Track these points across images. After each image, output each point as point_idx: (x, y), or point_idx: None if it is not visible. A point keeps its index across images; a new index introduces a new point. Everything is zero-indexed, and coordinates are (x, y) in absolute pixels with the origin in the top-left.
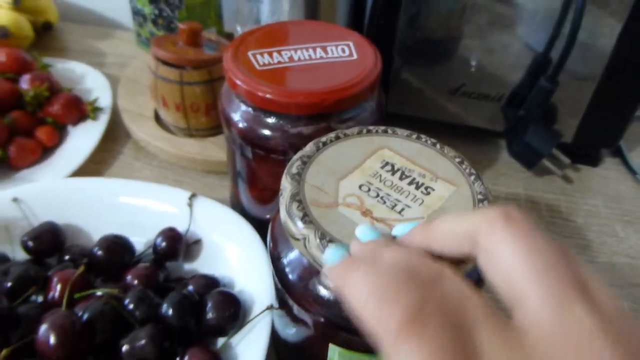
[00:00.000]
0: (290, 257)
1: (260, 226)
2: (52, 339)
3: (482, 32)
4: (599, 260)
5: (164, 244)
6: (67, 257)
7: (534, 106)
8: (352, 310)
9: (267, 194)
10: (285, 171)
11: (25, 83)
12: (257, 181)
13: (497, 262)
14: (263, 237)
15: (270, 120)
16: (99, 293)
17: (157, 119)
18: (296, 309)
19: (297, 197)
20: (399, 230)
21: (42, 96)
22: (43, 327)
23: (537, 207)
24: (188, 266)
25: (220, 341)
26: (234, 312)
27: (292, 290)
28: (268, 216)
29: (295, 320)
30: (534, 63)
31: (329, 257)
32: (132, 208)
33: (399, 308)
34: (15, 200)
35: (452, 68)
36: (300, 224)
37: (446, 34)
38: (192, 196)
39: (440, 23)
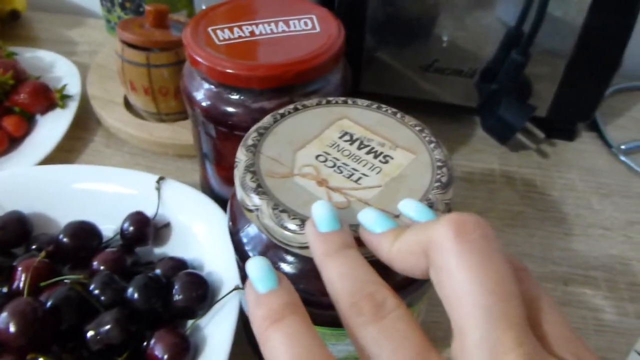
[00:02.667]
0: (249, 232)
1: None
2: (13, 327)
3: (455, 8)
4: (574, 232)
5: (131, 228)
6: (34, 247)
7: (506, 80)
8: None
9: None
10: (241, 144)
11: None
12: (223, 160)
13: (444, 283)
14: None
15: (233, 96)
16: (65, 280)
17: (127, 105)
18: None
19: (252, 169)
20: (404, 206)
21: (7, 84)
22: (3, 315)
23: (512, 182)
24: (158, 250)
25: (189, 323)
26: (202, 293)
27: None
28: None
29: None
30: (507, 37)
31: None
32: (101, 194)
33: None
34: None
35: (425, 44)
36: (253, 195)
37: (418, 10)
38: (160, 179)
39: None
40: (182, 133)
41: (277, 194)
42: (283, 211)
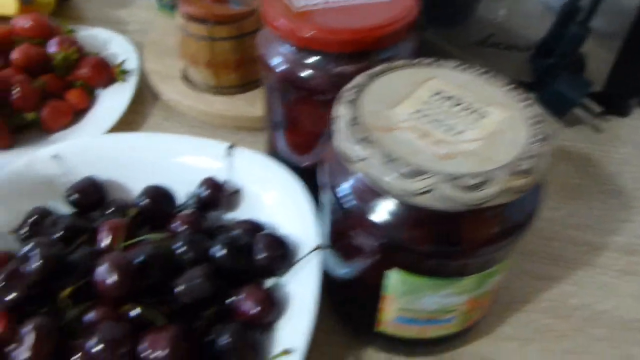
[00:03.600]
0: (347, 185)
1: (302, 175)
2: (111, 278)
3: None
4: (633, 205)
5: (206, 192)
6: (108, 211)
7: (564, 54)
8: None
9: (309, 138)
10: (340, 100)
11: (53, 46)
12: (299, 126)
13: None
14: (306, 183)
15: (312, 60)
16: (149, 239)
17: (186, 79)
18: (354, 237)
19: (355, 122)
20: None
21: (71, 59)
22: (102, 268)
23: (568, 156)
24: (227, 216)
25: (269, 282)
26: (283, 252)
27: (351, 217)
28: (308, 163)
29: (351, 253)
30: (564, 11)
31: None
32: (170, 161)
33: None
34: (55, 157)
35: (480, 19)
36: (359, 147)
37: None
38: (230, 147)
39: None
40: (241, 105)
41: (383, 146)
42: (391, 161)
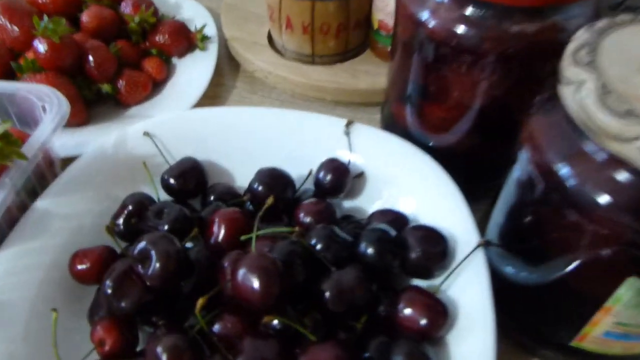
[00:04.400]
0: (574, 166)
1: (441, 158)
2: (257, 283)
3: None
4: None
5: (328, 177)
6: (212, 197)
7: None
8: None
9: (455, 112)
10: (570, 60)
11: (128, 7)
12: (444, 98)
13: None
14: (447, 168)
15: (476, 14)
16: (274, 233)
17: (273, 47)
18: (577, 233)
19: (606, 89)
20: None
21: (148, 23)
22: (242, 271)
23: None
24: (348, 203)
25: (421, 284)
26: (442, 249)
27: (579, 203)
28: (444, 144)
29: (558, 252)
30: None
31: None
32: (280, 140)
33: None
34: (146, 134)
35: None
36: (623, 123)
37: None
38: (349, 123)
39: None
40: (342, 76)
41: None
42: None
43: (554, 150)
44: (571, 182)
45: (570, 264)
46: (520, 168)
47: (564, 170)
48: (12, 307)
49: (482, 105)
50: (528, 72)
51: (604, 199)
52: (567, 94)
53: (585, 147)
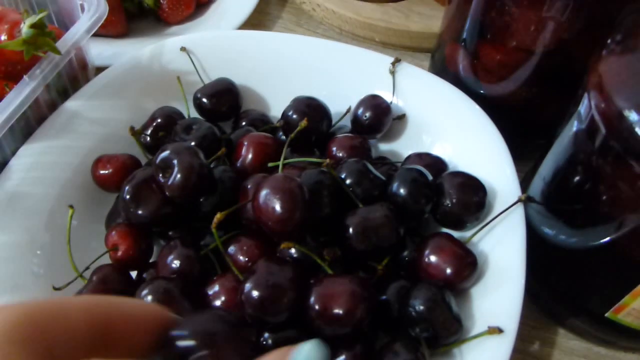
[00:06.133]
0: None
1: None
2: (278, 205)
3: None
4: None
5: (368, 114)
6: (244, 123)
7: None
8: None
9: (514, 57)
10: None
11: None
12: (508, 38)
13: None
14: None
15: None
16: (303, 163)
17: None
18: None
19: None
20: None
21: None
22: (265, 191)
23: None
24: (385, 146)
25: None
26: (480, 199)
27: None
28: (498, 93)
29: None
30: None
31: None
32: (321, 71)
33: None
34: (183, 49)
35: None
36: None
37: None
38: (396, 61)
39: None
40: (394, 15)
41: None
42: None
43: (625, 95)
44: None
45: (621, 225)
46: (580, 119)
47: (634, 117)
48: (34, 200)
49: (545, 50)
50: (602, 11)
51: None
52: None
53: None
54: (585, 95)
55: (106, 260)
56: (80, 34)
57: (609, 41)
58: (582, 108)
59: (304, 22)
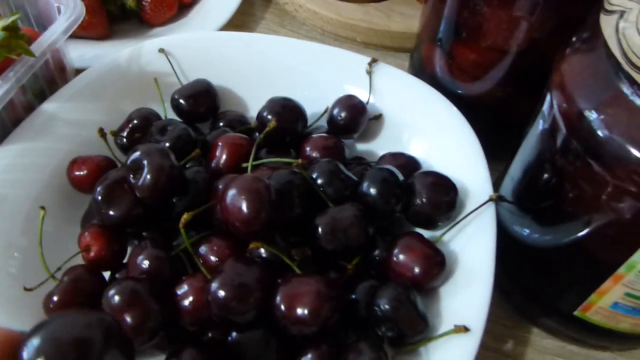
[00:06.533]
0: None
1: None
2: (246, 206)
3: None
4: None
5: (343, 114)
6: (221, 124)
7: None
8: None
9: (487, 57)
10: None
11: None
12: (481, 38)
13: None
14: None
15: None
16: (277, 163)
17: None
18: (609, 182)
19: None
20: None
21: None
22: (232, 192)
23: None
24: (362, 146)
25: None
26: (450, 199)
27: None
28: (473, 92)
29: (576, 212)
30: None
31: None
32: (298, 71)
33: None
34: (162, 51)
35: None
36: None
37: None
38: (373, 62)
39: None
40: (376, 16)
41: None
42: None
43: (586, 94)
44: (601, 131)
45: (586, 224)
46: (545, 118)
47: (594, 117)
48: (11, 203)
49: (517, 50)
50: (572, 11)
51: (636, 150)
52: (609, 24)
53: (622, 88)
54: (548, 94)
55: (80, 261)
56: (56, 35)
57: (573, 39)
58: (545, 107)
59: (287, 23)
